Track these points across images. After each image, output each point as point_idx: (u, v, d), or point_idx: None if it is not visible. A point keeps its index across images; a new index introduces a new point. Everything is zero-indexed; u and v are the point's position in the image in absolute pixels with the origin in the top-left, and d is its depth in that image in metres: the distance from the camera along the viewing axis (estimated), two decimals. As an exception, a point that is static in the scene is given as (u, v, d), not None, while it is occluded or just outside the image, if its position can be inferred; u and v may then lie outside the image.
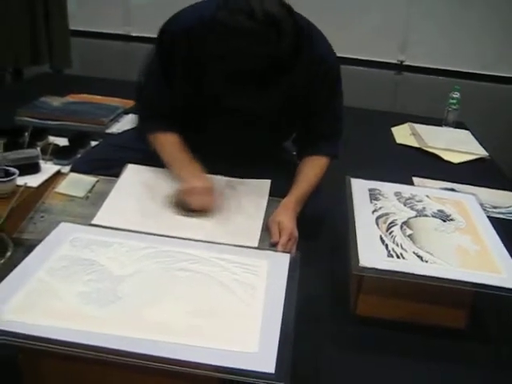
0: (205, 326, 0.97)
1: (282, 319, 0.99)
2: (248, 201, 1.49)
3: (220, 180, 1.55)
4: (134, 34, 5.18)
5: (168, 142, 1.56)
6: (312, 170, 1.61)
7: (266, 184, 1.55)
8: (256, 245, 1.31)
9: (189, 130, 1.59)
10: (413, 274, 1.24)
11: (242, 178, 1.60)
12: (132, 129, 1.92)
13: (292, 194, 1.54)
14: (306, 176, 1.59)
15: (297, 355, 0.94)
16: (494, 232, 1.46)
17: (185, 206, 1.44)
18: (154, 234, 1.24)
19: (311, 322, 1.29)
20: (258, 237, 1.35)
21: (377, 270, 1.24)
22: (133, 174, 1.55)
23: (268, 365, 0.88)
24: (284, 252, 1.30)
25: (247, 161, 1.60)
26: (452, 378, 1.21)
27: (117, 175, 1.54)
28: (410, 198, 1.58)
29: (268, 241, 1.37)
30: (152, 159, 1.62)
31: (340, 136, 1.68)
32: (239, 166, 1.59)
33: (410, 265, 1.27)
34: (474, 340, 1.33)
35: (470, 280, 1.24)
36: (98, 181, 1.56)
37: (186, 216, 1.41)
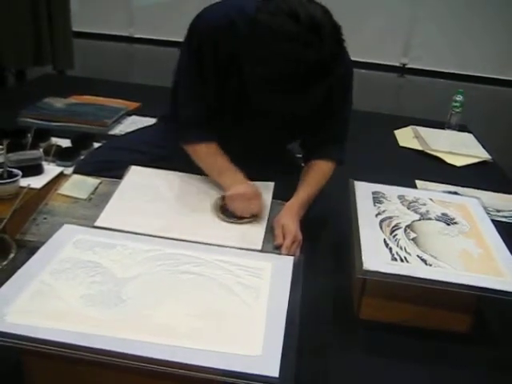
0: (208, 329, 0.96)
1: (286, 322, 0.99)
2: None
3: None
4: (136, 36, 5.19)
5: (207, 153, 1.54)
6: (317, 174, 1.61)
7: (269, 186, 1.54)
8: (259, 247, 1.30)
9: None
10: (417, 278, 1.23)
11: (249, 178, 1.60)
12: (135, 130, 1.92)
13: (297, 197, 1.53)
14: (312, 180, 1.59)
15: (300, 358, 0.94)
16: (497, 235, 1.45)
17: (228, 213, 1.44)
18: (158, 236, 1.24)
19: (315, 325, 1.29)
20: (262, 239, 1.35)
21: (380, 273, 1.24)
22: (136, 175, 1.54)
23: (272, 368, 0.88)
24: (288, 255, 1.30)
25: (255, 161, 1.60)
26: (456, 382, 1.20)
27: (120, 177, 1.54)
28: (413, 202, 1.58)
29: (272, 243, 1.37)
30: (155, 161, 1.63)
31: (346, 142, 1.68)
32: (248, 166, 1.59)
33: (413, 268, 1.27)
34: (477, 344, 1.33)
35: (474, 284, 1.23)
36: (101, 182, 1.56)
37: (189, 217, 1.40)
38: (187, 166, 1.61)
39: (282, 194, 1.54)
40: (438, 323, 1.33)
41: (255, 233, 1.37)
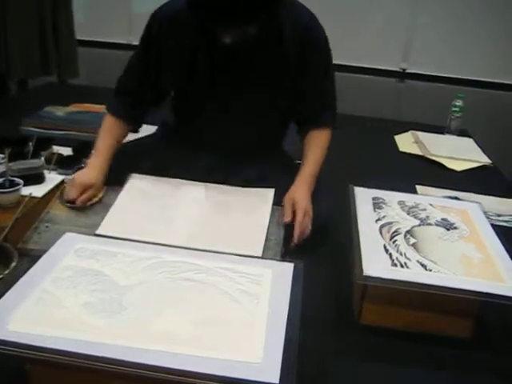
0: (209, 336, 0.97)
1: (286, 329, 0.99)
2: (251, 209, 1.49)
3: (223, 188, 1.56)
4: (135, 43, 5.21)
5: (105, 126, 1.68)
6: (319, 145, 1.68)
7: (269, 193, 1.55)
8: (260, 254, 1.31)
9: (187, 118, 1.70)
10: (417, 283, 1.24)
11: (240, 171, 1.67)
12: (136, 139, 1.93)
13: (305, 169, 1.60)
14: (315, 150, 1.66)
15: (301, 365, 0.94)
16: (497, 240, 1.46)
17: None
18: (159, 244, 1.25)
19: (315, 332, 1.29)
20: (262, 246, 1.35)
21: (381, 279, 1.24)
22: (137, 183, 1.55)
23: (272, 375, 0.88)
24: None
25: (244, 153, 1.68)
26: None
27: (121, 184, 1.55)
28: (413, 207, 1.58)
29: (273, 247, 1.37)
30: (156, 168, 1.64)
31: (336, 107, 1.75)
32: (236, 158, 1.67)
33: (413, 274, 1.27)
34: (478, 349, 1.33)
35: (475, 289, 1.24)
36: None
37: (190, 224, 1.41)
38: (188, 172, 1.62)
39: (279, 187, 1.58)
40: (438, 328, 1.34)
41: (255, 239, 1.37)
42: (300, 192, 1.54)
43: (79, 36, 3.70)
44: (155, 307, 1.04)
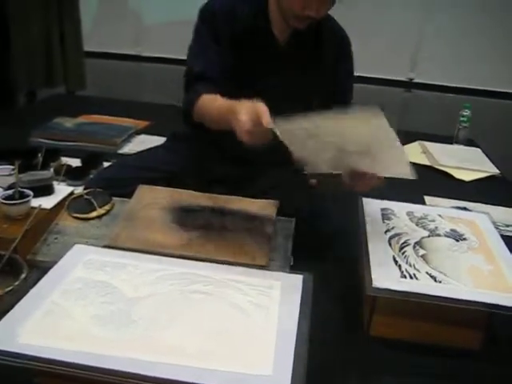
0: (219, 349, 0.97)
1: (296, 341, 0.99)
2: (257, 219, 1.49)
3: (230, 198, 1.56)
4: (144, 54, 5.24)
5: (213, 98, 1.50)
6: None
7: (273, 204, 1.55)
8: (265, 263, 1.31)
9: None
10: (426, 295, 1.23)
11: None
12: (144, 150, 1.94)
13: None
14: None
15: (311, 377, 0.94)
16: (507, 251, 1.45)
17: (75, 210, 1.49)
18: (168, 255, 1.25)
19: (325, 344, 1.28)
20: (268, 256, 1.35)
21: (390, 290, 1.24)
22: (145, 194, 1.55)
23: (283, 388, 0.88)
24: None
25: (259, 162, 1.70)
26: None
27: (130, 195, 1.55)
28: (422, 218, 1.58)
29: (281, 258, 1.36)
30: (165, 178, 1.64)
31: None
32: (249, 168, 1.70)
33: (423, 285, 1.27)
34: (489, 361, 1.32)
35: (484, 300, 1.23)
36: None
37: (195, 233, 1.41)
38: (197, 182, 1.63)
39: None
40: (448, 340, 1.33)
41: (260, 249, 1.37)
42: None
43: (87, 47, 3.73)
44: (164, 320, 1.04)
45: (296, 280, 1.18)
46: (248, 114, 1.26)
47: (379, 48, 4.86)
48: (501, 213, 2.13)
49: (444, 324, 1.31)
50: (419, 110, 4.47)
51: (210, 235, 1.40)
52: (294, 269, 1.35)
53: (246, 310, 1.07)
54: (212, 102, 1.49)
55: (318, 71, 1.70)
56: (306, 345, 0.99)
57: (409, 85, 5.09)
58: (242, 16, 1.61)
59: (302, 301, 1.11)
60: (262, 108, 1.25)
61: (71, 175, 1.97)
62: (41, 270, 1.22)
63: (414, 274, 1.30)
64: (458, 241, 1.48)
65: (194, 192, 1.57)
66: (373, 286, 1.24)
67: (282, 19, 1.58)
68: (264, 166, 1.74)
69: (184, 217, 1.47)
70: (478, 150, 3.01)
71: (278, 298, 1.11)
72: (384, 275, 1.28)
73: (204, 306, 1.08)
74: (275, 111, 1.67)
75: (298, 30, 1.59)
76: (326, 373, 1.21)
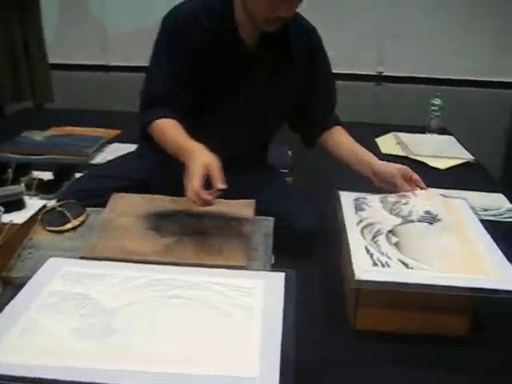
0: (203, 353, 0.95)
1: (282, 341, 0.97)
2: (234, 220, 1.47)
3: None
4: (112, 64, 5.19)
5: (168, 125, 1.52)
6: (348, 136, 1.76)
7: (250, 204, 1.53)
8: (245, 264, 1.29)
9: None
10: (409, 284, 1.22)
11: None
12: (116, 158, 1.91)
13: (372, 156, 1.68)
14: (353, 141, 1.74)
15: (298, 376, 0.92)
16: (485, 233, 1.44)
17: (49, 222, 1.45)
18: (145, 262, 1.23)
19: (312, 342, 1.27)
20: (247, 256, 1.33)
21: (374, 282, 1.22)
22: (119, 202, 1.53)
23: (271, 388, 0.86)
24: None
25: (235, 163, 1.63)
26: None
27: (104, 205, 1.52)
28: (396, 202, 1.56)
29: (262, 257, 1.34)
30: (139, 185, 1.62)
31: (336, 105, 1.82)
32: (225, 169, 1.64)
33: (394, 273, 1.25)
34: (477, 346, 1.31)
35: (463, 285, 1.22)
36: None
37: (172, 239, 1.38)
38: (171, 187, 1.60)
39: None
40: (435, 328, 1.32)
41: (239, 249, 1.35)
42: (388, 165, 1.63)
43: (51, 60, 3.67)
44: (146, 327, 1.01)
45: (278, 278, 1.16)
46: (200, 177, 1.27)
47: (346, 44, 4.87)
48: (478, 198, 2.14)
49: (430, 312, 1.31)
50: (391, 103, 4.49)
51: (186, 239, 1.38)
52: (275, 267, 1.33)
53: (228, 312, 1.05)
54: (164, 133, 1.52)
55: (289, 71, 1.67)
56: (292, 344, 0.97)
57: (379, 78, 5.12)
58: (208, 23, 1.57)
59: (285, 299, 1.09)
60: (215, 170, 1.29)
61: (43, 189, 1.93)
62: (16, 286, 1.19)
63: (386, 262, 1.29)
64: (431, 223, 1.47)
65: (168, 197, 1.55)
66: (355, 278, 1.22)
67: (250, 23, 1.54)
68: (237, 168, 1.72)
69: (160, 223, 1.45)
70: (452, 137, 3.03)
71: (260, 298, 1.09)
72: (358, 265, 1.26)
73: (185, 310, 1.06)
74: (249, 115, 1.67)
75: (267, 33, 1.56)
76: (315, 371, 1.19)
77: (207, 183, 1.29)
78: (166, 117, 1.53)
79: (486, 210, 2.06)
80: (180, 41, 1.56)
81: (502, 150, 3.40)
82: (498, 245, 1.39)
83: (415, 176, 1.61)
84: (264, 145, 1.87)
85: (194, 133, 1.66)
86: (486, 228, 1.47)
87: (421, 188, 1.60)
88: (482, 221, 1.53)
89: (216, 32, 1.57)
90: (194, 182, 1.26)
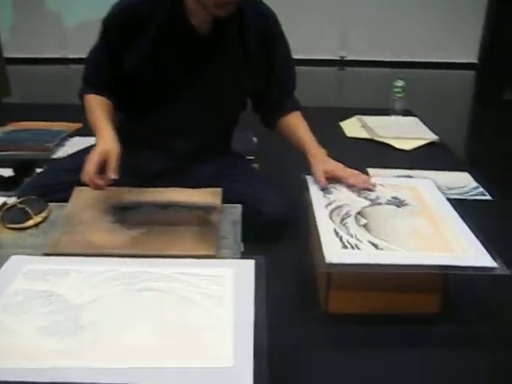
0: (175, 345, 0.93)
1: (255, 328, 0.95)
2: (201, 209, 1.44)
3: (171, 191, 1.51)
4: (71, 57, 5.08)
5: (96, 102, 1.61)
6: (302, 122, 1.74)
7: (217, 192, 1.51)
8: (213, 253, 1.27)
9: (140, 118, 1.70)
10: (383, 265, 1.22)
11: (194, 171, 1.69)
12: (77, 151, 1.87)
13: (311, 141, 1.67)
14: (303, 127, 1.72)
15: (272, 363, 0.90)
16: (452, 212, 1.46)
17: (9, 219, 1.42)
18: (112, 256, 1.20)
19: (285, 328, 1.26)
20: (214, 244, 1.31)
21: (344, 264, 1.22)
22: (82, 196, 1.49)
23: (245, 378, 0.84)
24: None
25: (198, 153, 1.71)
26: (432, 363, 1.20)
27: (67, 200, 1.48)
28: (363, 188, 1.56)
29: (231, 245, 1.33)
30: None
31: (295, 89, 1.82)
32: (189, 159, 1.69)
33: (364, 255, 1.25)
34: (449, 323, 1.32)
35: (433, 263, 1.23)
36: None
37: (138, 231, 1.35)
38: (138, 177, 1.58)
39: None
40: (407, 307, 1.32)
41: (207, 238, 1.33)
42: (328, 163, 1.62)
43: (7, 54, 3.58)
44: (115, 322, 0.98)
45: (248, 265, 1.14)
46: (96, 162, 1.38)
47: (307, 29, 4.86)
48: (443, 177, 2.16)
49: (402, 292, 1.31)
50: (354, 87, 4.50)
51: (153, 231, 1.35)
52: (245, 255, 1.32)
53: (199, 302, 1.03)
54: (90, 109, 1.60)
55: (244, 57, 1.65)
56: (265, 331, 0.96)
57: (341, 63, 5.12)
58: (157, 13, 1.55)
59: (256, 286, 1.08)
60: (111, 159, 1.39)
61: (3, 185, 1.88)
62: (-23, 287, 1.14)
63: (356, 244, 1.28)
64: (399, 207, 1.47)
65: (133, 188, 1.52)
66: (326, 261, 1.22)
67: (201, 9, 1.51)
68: (204, 156, 1.71)
69: (125, 215, 1.42)
70: (415, 118, 3.06)
71: (230, 286, 1.07)
72: (328, 248, 1.26)
73: (155, 303, 1.04)
74: (207, 102, 1.65)
75: (220, 18, 1.53)
76: (289, 357, 1.18)
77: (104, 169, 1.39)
78: (97, 93, 1.62)
79: (451, 189, 2.08)
80: (126, 33, 1.57)
81: (465, 130, 3.44)
82: (465, 222, 1.40)
83: (344, 177, 1.58)
84: (226, 132, 1.85)
85: (155, 121, 1.64)
86: (453, 206, 1.48)
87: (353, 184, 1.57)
88: (448, 199, 1.54)
89: (165, 19, 1.56)
90: (89, 166, 1.37)
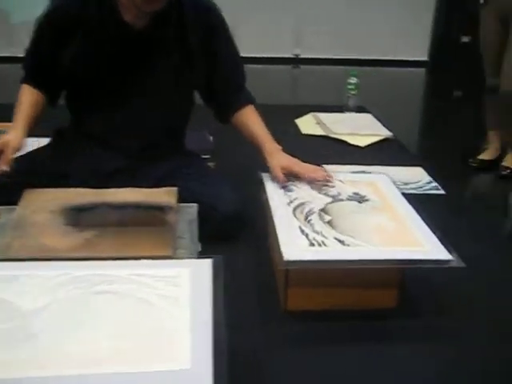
0: (132, 349, 0.90)
1: (213, 329, 0.94)
2: (157, 209, 1.42)
3: (125, 191, 1.48)
4: (19, 55, 4.96)
5: (26, 93, 1.65)
6: (256, 118, 1.72)
7: (173, 191, 1.48)
8: (170, 253, 1.24)
9: (87, 119, 1.69)
10: (338, 261, 1.22)
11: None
12: (27, 153, 1.81)
13: (265, 140, 1.65)
14: (258, 123, 1.70)
15: (232, 363, 0.89)
16: (409, 207, 1.47)
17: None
18: (65, 259, 1.16)
19: (243, 327, 1.25)
20: (171, 245, 1.29)
21: (302, 261, 1.21)
22: (33, 198, 1.44)
23: (204, 379, 0.83)
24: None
25: (150, 152, 1.68)
26: (390, 358, 1.21)
27: (15, 203, 1.44)
28: (324, 185, 1.57)
29: (188, 245, 1.31)
30: (52, 180, 1.54)
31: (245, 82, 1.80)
32: (142, 158, 1.67)
33: (332, 251, 1.25)
34: (406, 317, 1.34)
35: (395, 257, 1.24)
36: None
37: (92, 232, 1.32)
38: (88, 180, 1.55)
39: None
40: (366, 303, 1.33)
41: (163, 239, 1.30)
42: (284, 159, 1.61)
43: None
44: (70, 328, 0.95)
45: (205, 265, 1.12)
46: None
47: (261, 27, 4.87)
48: (398, 172, 2.18)
49: (360, 287, 1.31)
50: (309, 84, 4.52)
51: (108, 232, 1.32)
52: (202, 255, 1.30)
53: (155, 304, 1.00)
54: (18, 99, 1.65)
55: (185, 51, 1.62)
56: (223, 331, 0.94)
57: (296, 61, 5.14)
58: (88, 10, 1.53)
59: (213, 285, 1.06)
60: (7, 151, 1.45)
61: None
62: None
63: (322, 241, 1.28)
64: (361, 202, 1.48)
65: (85, 189, 1.48)
66: (284, 259, 1.21)
67: (132, 4, 1.49)
68: (154, 156, 1.68)
69: (78, 216, 1.38)
70: (369, 115, 3.08)
71: (187, 287, 1.05)
72: (293, 247, 1.26)
73: (110, 306, 1.01)
74: (151, 99, 1.62)
75: (159, 13, 1.51)
76: (249, 357, 1.17)
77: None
78: (33, 86, 1.66)
79: (406, 184, 2.10)
80: (57, 27, 1.57)
81: (417, 126, 3.50)
82: (421, 217, 1.42)
83: (301, 172, 1.59)
84: (178, 129, 1.82)
85: (105, 121, 1.61)
86: (409, 201, 1.50)
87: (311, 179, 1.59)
88: (404, 194, 1.56)
89: (97, 16, 1.54)
90: None
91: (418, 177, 2.21)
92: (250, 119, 1.71)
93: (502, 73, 2.38)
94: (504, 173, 2.47)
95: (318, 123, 2.91)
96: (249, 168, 1.71)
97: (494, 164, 2.53)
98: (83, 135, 1.68)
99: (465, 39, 4.93)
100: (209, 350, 0.89)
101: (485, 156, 2.56)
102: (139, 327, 0.95)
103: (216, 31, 1.66)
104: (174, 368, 0.86)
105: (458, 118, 3.40)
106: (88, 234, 1.31)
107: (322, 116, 2.99)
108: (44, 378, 0.83)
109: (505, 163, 2.50)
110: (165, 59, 1.61)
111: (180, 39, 1.60)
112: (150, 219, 1.38)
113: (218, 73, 1.70)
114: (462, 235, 1.59)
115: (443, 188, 2.14)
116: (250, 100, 1.76)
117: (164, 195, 1.47)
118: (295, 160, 1.61)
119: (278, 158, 1.61)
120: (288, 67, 5.06)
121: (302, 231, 1.32)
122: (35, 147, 1.89)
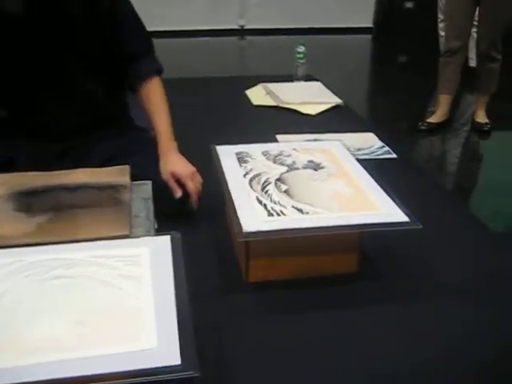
0: (96, 333, 0.88)
1: (177, 306, 0.93)
2: (111, 189, 1.38)
3: (77, 172, 1.44)
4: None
5: None
6: (157, 95, 1.62)
7: (125, 169, 1.45)
8: (127, 232, 1.22)
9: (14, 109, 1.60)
10: (297, 229, 1.22)
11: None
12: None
13: (163, 136, 1.57)
14: (158, 110, 1.61)
15: (199, 338, 0.88)
16: (364, 172, 1.48)
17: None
18: (17, 246, 1.12)
19: (207, 302, 1.24)
20: (128, 223, 1.26)
21: (261, 232, 1.21)
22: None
23: (172, 357, 0.82)
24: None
25: (88, 133, 1.63)
26: (354, 321, 1.22)
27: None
28: (278, 155, 1.57)
29: (144, 223, 1.28)
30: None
31: (154, 50, 1.69)
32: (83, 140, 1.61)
33: (291, 220, 1.25)
34: (367, 280, 1.35)
35: (353, 222, 1.25)
36: None
37: (44, 217, 1.28)
38: (35, 164, 1.49)
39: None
40: (327, 269, 1.34)
41: (119, 218, 1.27)
42: (174, 162, 1.53)
43: None
44: (28, 316, 0.92)
45: (163, 242, 1.11)
46: None
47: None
48: (350, 139, 2.19)
49: (321, 254, 1.32)
50: (256, 55, 4.49)
51: (61, 215, 1.28)
52: (160, 232, 1.28)
53: (116, 285, 0.98)
54: None
55: (68, 24, 1.52)
56: (187, 307, 0.93)
57: (241, 32, 5.08)
58: None
59: (174, 262, 1.04)
60: None
61: None
62: None
63: (281, 211, 1.28)
64: (316, 170, 1.48)
65: (34, 173, 1.43)
66: (243, 231, 1.20)
67: None
68: (97, 134, 1.63)
69: (29, 201, 1.33)
70: (319, 83, 3.08)
71: (147, 265, 1.03)
72: (251, 218, 1.25)
73: (70, 290, 0.98)
74: (62, 75, 1.55)
75: None
76: (214, 331, 1.17)
77: None
78: None
79: (359, 150, 2.12)
80: None
81: (366, 92, 3.52)
82: (376, 181, 1.43)
83: (189, 185, 1.52)
84: (114, 103, 1.74)
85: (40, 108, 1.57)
86: (364, 166, 1.51)
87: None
88: (357, 160, 1.56)
89: None
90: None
91: (370, 142, 2.23)
92: (154, 103, 1.63)
93: (478, 35, 2.50)
94: (486, 128, 2.57)
95: (269, 93, 2.89)
96: (200, 140, 1.68)
97: (442, 126, 2.58)
98: (21, 121, 1.62)
99: (408, 5, 4.96)
100: (174, 328, 0.88)
101: (433, 119, 2.60)
102: (102, 310, 0.93)
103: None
104: (141, 348, 0.84)
105: (405, 82, 3.43)
106: (41, 219, 1.27)
107: (272, 86, 2.97)
108: (5, 369, 0.81)
109: (479, 120, 2.61)
110: (53, 34, 1.51)
111: (59, 11, 1.50)
112: (104, 199, 1.34)
113: (117, 39, 1.59)
114: (413, 196, 1.61)
115: (395, 152, 2.16)
116: (155, 69, 1.66)
117: (117, 174, 1.43)
118: (183, 166, 1.54)
119: (170, 162, 1.54)
120: (234, 39, 5.00)
121: (260, 202, 1.32)
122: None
